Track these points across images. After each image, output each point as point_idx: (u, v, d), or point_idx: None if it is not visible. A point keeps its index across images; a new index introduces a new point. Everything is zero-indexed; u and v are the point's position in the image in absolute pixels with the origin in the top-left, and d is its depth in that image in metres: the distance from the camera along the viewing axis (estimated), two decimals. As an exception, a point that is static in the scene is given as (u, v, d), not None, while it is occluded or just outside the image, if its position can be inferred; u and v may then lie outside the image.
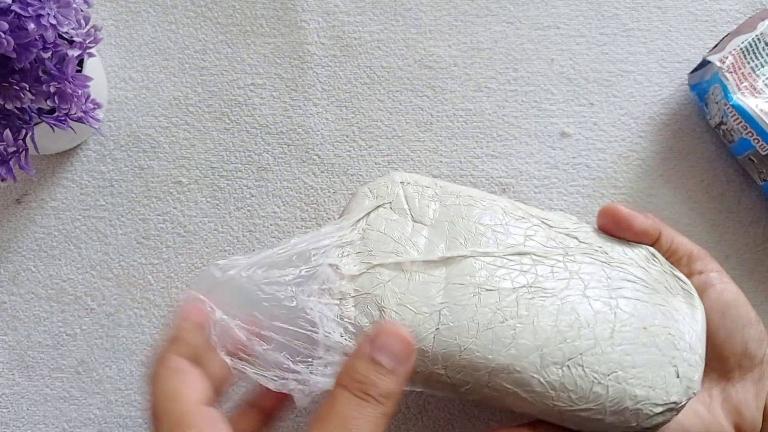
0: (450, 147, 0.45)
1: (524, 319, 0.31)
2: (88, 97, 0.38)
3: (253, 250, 0.44)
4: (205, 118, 0.46)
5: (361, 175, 0.45)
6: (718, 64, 0.42)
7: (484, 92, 0.46)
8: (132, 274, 0.44)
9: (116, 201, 0.45)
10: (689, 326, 0.33)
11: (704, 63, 0.43)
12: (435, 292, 0.31)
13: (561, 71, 0.46)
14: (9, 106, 0.35)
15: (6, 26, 0.32)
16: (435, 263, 0.32)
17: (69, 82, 0.36)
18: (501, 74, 0.46)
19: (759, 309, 0.43)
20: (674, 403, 0.31)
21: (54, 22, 0.33)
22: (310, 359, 0.30)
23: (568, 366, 0.31)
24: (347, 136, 0.46)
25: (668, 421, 0.32)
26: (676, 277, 0.35)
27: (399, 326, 0.29)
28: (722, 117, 0.42)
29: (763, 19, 0.43)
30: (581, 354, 0.31)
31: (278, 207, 0.45)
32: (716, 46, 0.43)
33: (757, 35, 0.42)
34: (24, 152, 0.38)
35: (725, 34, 0.44)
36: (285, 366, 0.30)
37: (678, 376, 0.32)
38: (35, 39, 0.33)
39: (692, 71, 0.44)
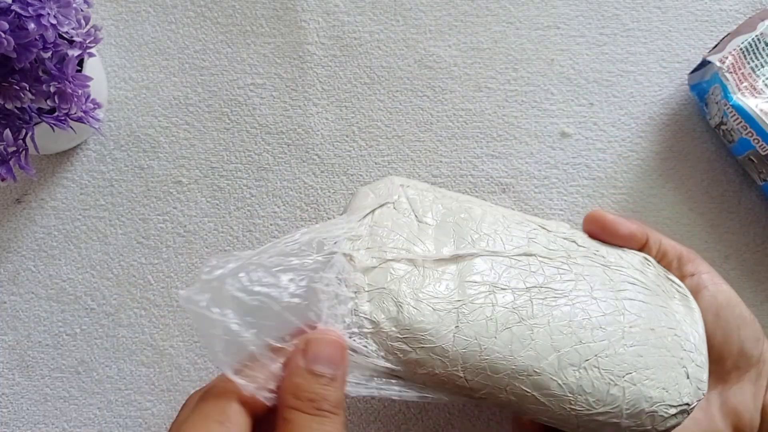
0: (450, 147, 0.45)
1: (539, 319, 0.31)
2: (88, 97, 0.38)
3: (253, 250, 0.44)
4: (205, 118, 0.46)
5: (361, 175, 0.45)
6: (718, 64, 0.42)
7: (484, 92, 0.46)
8: (132, 274, 0.44)
9: (116, 201, 0.45)
10: (692, 328, 0.33)
11: (704, 63, 0.43)
12: (450, 290, 0.31)
13: (561, 71, 0.46)
14: (9, 106, 0.35)
15: (6, 26, 0.32)
16: (446, 261, 0.32)
17: (69, 82, 0.36)
18: (501, 74, 0.46)
19: (759, 309, 0.43)
20: (686, 404, 0.31)
21: (54, 21, 0.33)
22: None
23: (584, 368, 0.30)
24: (347, 136, 0.46)
25: (679, 424, 0.32)
26: (671, 280, 0.35)
27: (325, 331, 0.28)
28: (722, 117, 0.42)
29: (763, 19, 0.43)
30: (596, 355, 0.30)
31: (278, 207, 0.45)
32: (716, 46, 0.43)
33: (757, 35, 0.42)
34: (24, 152, 0.38)
35: (725, 34, 0.44)
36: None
37: (688, 377, 0.32)
38: (35, 39, 0.33)
39: (692, 71, 0.44)
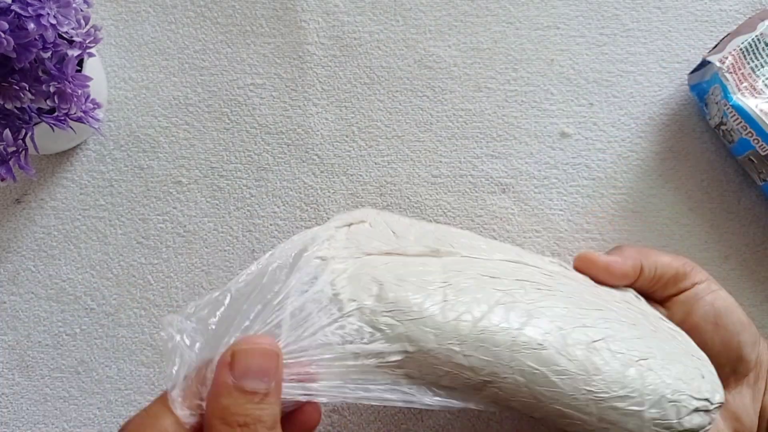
0: (450, 147, 0.45)
1: (536, 303, 0.29)
2: (88, 97, 0.38)
3: (253, 250, 0.44)
4: (205, 118, 0.46)
5: (361, 175, 0.45)
6: (718, 64, 0.42)
7: (484, 92, 0.46)
8: (132, 274, 0.44)
9: (116, 201, 0.45)
10: (694, 345, 0.33)
11: (704, 63, 0.43)
12: (434, 276, 0.29)
13: (561, 71, 0.46)
14: (9, 106, 0.35)
15: (6, 26, 0.32)
16: (427, 255, 0.30)
17: (69, 82, 0.36)
18: (501, 74, 0.46)
19: (759, 309, 0.43)
20: (707, 399, 0.29)
21: (54, 21, 0.33)
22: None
23: (594, 348, 0.28)
24: (347, 136, 0.46)
25: (704, 427, 0.30)
26: (660, 318, 0.35)
27: (254, 338, 0.24)
28: (722, 117, 0.42)
29: (762, 20, 0.43)
30: (603, 338, 0.29)
31: (278, 207, 0.45)
32: (716, 46, 0.43)
33: (757, 35, 0.42)
34: (24, 152, 0.38)
35: (725, 34, 0.44)
36: None
37: (703, 377, 0.30)
38: (35, 39, 0.33)
39: (692, 71, 0.44)
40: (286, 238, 0.44)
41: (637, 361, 0.29)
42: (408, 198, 0.45)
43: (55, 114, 0.37)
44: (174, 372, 0.25)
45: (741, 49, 0.42)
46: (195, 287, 0.44)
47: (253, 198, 0.45)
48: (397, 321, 0.26)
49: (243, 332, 0.26)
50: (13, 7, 0.32)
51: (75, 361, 0.43)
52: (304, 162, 0.45)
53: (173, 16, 0.47)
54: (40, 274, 0.44)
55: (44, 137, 0.40)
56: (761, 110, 0.41)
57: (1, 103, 0.35)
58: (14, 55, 0.33)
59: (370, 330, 0.26)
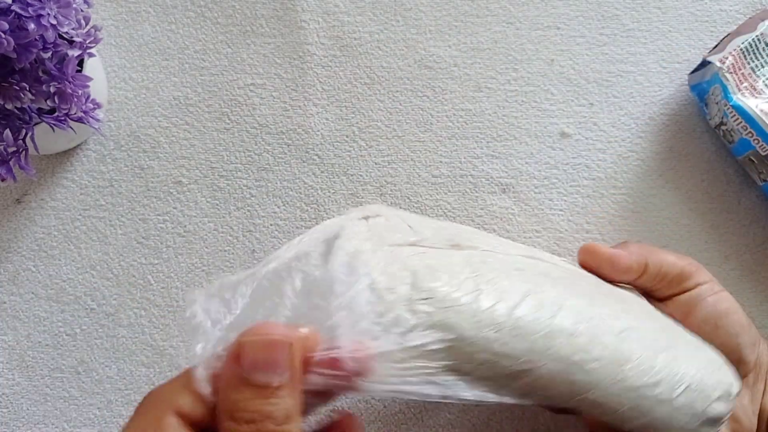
0: (450, 147, 0.45)
1: (562, 294, 0.29)
2: (88, 97, 0.38)
3: (253, 250, 0.44)
4: (205, 118, 0.46)
5: (361, 175, 0.45)
6: (718, 64, 0.42)
7: (484, 92, 0.46)
8: (132, 274, 0.44)
9: (116, 201, 0.45)
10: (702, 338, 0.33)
11: (704, 63, 0.43)
12: (461, 267, 0.28)
13: (561, 71, 0.46)
14: (9, 106, 0.35)
15: (6, 26, 0.32)
16: (449, 249, 0.30)
17: (69, 82, 0.36)
18: (501, 74, 0.46)
19: (759, 309, 0.43)
20: (727, 392, 0.30)
21: (54, 22, 0.33)
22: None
23: (622, 338, 0.28)
24: (347, 136, 0.46)
25: (725, 416, 0.30)
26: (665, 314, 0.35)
27: (263, 327, 0.22)
28: (722, 117, 0.42)
29: (763, 20, 0.43)
30: (629, 328, 0.29)
31: (278, 207, 0.45)
32: (716, 46, 0.43)
33: (757, 36, 0.42)
34: (24, 152, 0.38)
35: (725, 34, 0.44)
36: None
37: (722, 367, 0.31)
38: (35, 39, 0.33)
39: (692, 71, 0.44)
40: (287, 238, 0.44)
41: (660, 352, 0.29)
42: (408, 198, 0.45)
43: (56, 114, 0.37)
44: (198, 350, 0.24)
45: (741, 49, 0.42)
46: (195, 287, 0.44)
47: (253, 198, 0.45)
48: (434, 308, 0.26)
49: (268, 318, 0.25)
50: (14, 7, 0.32)
51: (75, 361, 0.43)
52: (304, 162, 0.45)
53: (173, 16, 0.47)
54: (40, 274, 0.44)
55: (44, 137, 0.40)
56: (761, 110, 0.41)
57: (2, 103, 0.35)
58: (14, 56, 0.33)
59: (409, 318, 0.25)
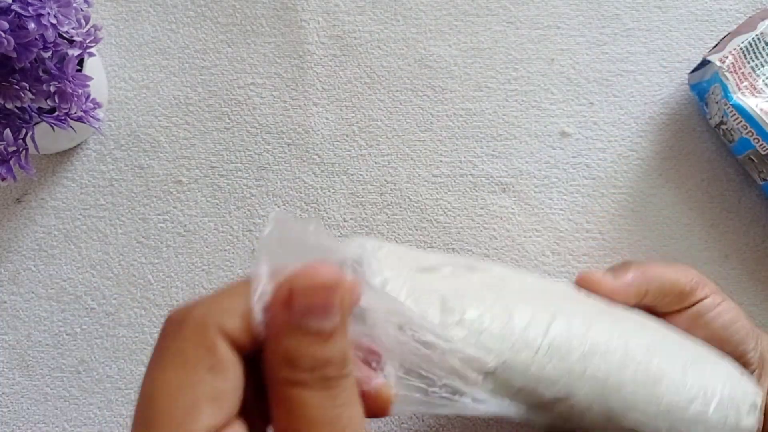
0: (450, 147, 0.45)
1: (586, 314, 0.28)
2: (88, 96, 0.38)
3: (254, 250, 0.44)
4: (205, 118, 0.46)
5: (361, 175, 0.45)
6: (718, 63, 0.42)
7: (484, 92, 0.46)
8: (132, 273, 0.44)
9: (116, 200, 0.45)
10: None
11: (704, 63, 0.43)
12: (483, 291, 0.27)
13: (561, 71, 0.46)
14: (9, 106, 0.35)
15: (6, 26, 0.32)
16: (467, 274, 0.28)
17: (69, 82, 0.36)
18: (501, 74, 0.46)
19: (759, 308, 0.43)
20: (754, 403, 0.29)
21: (54, 21, 0.33)
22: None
23: (651, 353, 0.28)
24: (347, 136, 0.46)
25: (755, 426, 0.29)
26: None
27: (310, 269, 0.20)
28: (722, 117, 0.42)
29: (763, 19, 0.43)
30: (653, 345, 0.28)
31: (278, 207, 0.45)
32: (716, 45, 0.43)
33: (757, 35, 0.42)
34: (24, 152, 0.38)
35: (725, 33, 0.44)
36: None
37: (742, 376, 0.30)
38: (35, 38, 0.33)
39: (692, 71, 0.44)
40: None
41: (688, 366, 0.28)
42: (408, 197, 0.45)
43: (56, 114, 0.37)
44: (263, 272, 0.21)
45: (741, 49, 0.42)
46: (195, 287, 0.44)
47: (253, 197, 0.45)
48: (467, 332, 0.25)
49: None
50: (14, 6, 0.32)
51: (75, 361, 0.43)
52: (304, 161, 0.45)
53: (174, 15, 0.47)
54: (40, 274, 0.44)
55: (44, 137, 0.40)
56: (761, 109, 0.41)
57: (2, 102, 0.35)
58: (15, 55, 0.33)
59: (443, 344, 0.25)
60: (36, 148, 0.38)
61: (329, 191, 0.45)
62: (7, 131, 0.36)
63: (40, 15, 0.33)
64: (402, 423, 0.42)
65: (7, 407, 0.43)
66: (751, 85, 0.42)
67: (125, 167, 0.45)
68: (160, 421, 0.18)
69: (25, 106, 0.36)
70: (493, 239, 0.44)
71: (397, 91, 0.46)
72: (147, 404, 0.18)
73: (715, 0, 0.47)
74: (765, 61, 0.42)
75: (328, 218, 0.45)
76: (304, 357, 0.20)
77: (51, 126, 0.37)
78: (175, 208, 0.45)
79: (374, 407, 0.22)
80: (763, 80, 0.42)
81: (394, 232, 0.44)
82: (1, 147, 0.37)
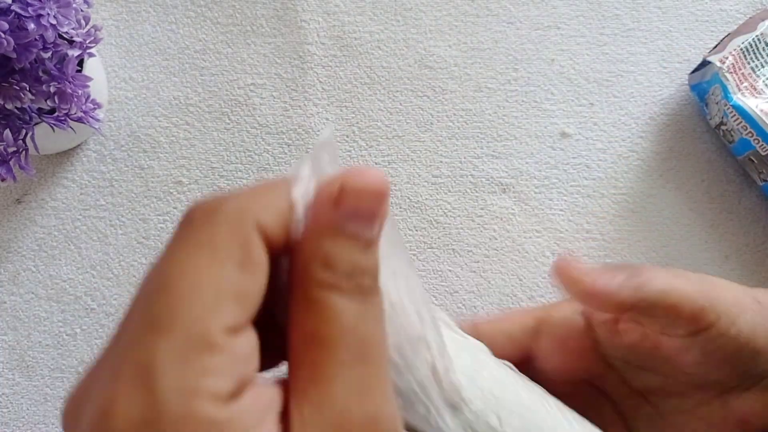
0: (450, 147, 0.45)
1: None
2: (88, 97, 0.38)
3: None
4: (206, 118, 0.46)
5: (361, 175, 0.45)
6: (718, 64, 0.42)
7: (484, 92, 0.46)
8: (132, 274, 0.44)
9: (116, 201, 0.45)
10: None
11: (704, 63, 0.43)
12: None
13: (561, 71, 0.46)
14: (9, 106, 0.35)
15: (6, 26, 0.32)
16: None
17: (69, 82, 0.36)
18: (501, 74, 0.46)
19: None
20: None
21: (54, 22, 0.33)
22: None
23: None
24: (347, 136, 0.46)
25: None
26: None
27: (362, 171, 0.18)
28: (722, 117, 0.42)
29: (763, 20, 0.43)
30: None
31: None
32: (716, 46, 0.43)
33: (757, 35, 0.42)
34: (24, 152, 0.38)
35: (725, 34, 0.44)
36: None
37: None
38: (35, 39, 0.33)
39: (692, 71, 0.44)
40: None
41: None
42: (408, 198, 0.45)
43: (56, 114, 0.37)
44: (305, 172, 0.19)
45: (741, 49, 0.42)
46: (195, 287, 0.44)
47: (253, 198, 0.45)
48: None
49: None
50: (13, 7, 0.32)
51: (75, 361, 0.43)
52: (304, 162, 0.45)
53: (174, 16, 0.47)
54: (40, 274, 0.44)
55: (44, 137, 0.40)
56: (761, 110, 0.41)
57: (2, 103, 0.35)
58: (14, 56, 0.33)
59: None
60: (36, 148, 0.38)
61: (329, 192, 0.45)
62: (7, 132, 0.36)
63: (40, 15, 0.33)
64: (402, 423, 0.42)
65: (7, 408, 0.43)
66: (752, 86, 0.42)
67: (125, 168, 0.45)
68: (177, 311, 0.16)
69: (25, 106, 0.36)
70: (493, 240, 0.44)
71: (397, 91, 0.46)
72: (161, 291, 0.16)
73: (715, 0, 0.47)
74: (765, 61, 0.42)
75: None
76: (343, 261, 0.18)
77: (51, 126, 0.37)
78: (175, 208, 0.45)
79: None
80: (764, 81, 0.42)
81: (394, 232, 0.44)
82: (1, 147, 0.37)
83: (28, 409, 0.43)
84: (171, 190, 0.45)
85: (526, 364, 0.31)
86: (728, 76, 0.42)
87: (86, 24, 0.37)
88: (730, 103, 0.41)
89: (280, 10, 0.47)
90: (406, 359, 0.21)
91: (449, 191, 0.45)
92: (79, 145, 0.46)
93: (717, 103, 0.42)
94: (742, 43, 0.42)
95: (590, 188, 0.45)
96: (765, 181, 0.42)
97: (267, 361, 0.18)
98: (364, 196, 0.18)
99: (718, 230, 0.44)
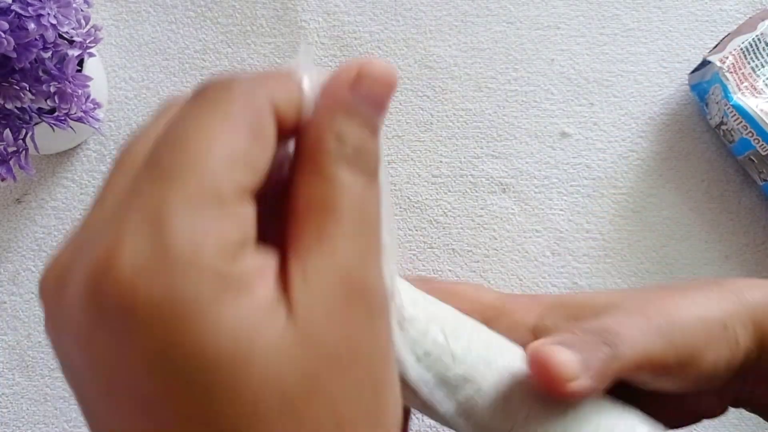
0: (450, 147, 0.45)
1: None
2: (88, 96, 0.38)
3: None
4: (205, 118, 0.46)
5: (361, 175, 0.45)
6: (718, 64, 0.42)
7: (484, 92, 0.46)
8: (132, 274, 0.44)
9: (116, 201, 0.45)
10: None
11: (704, 63, 0.43)
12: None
13: (561, 71, 0.46)
14: (9, 106, 0.35)
15: (6, 26, 0.32)
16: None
17: (69, 82, 0.36)
18: (501, 74, 0.46)
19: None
20: None
21: (54, 21, 0.33)
22: None
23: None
24: (347, 136, 0.46)
25: None
26: None
27: (380, 62, 0.19)
28: (722, 117, 0.42)
29: (763, 19, 0.43)
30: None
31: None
32: (716, 46, 0.43)
33: (757, 35, 0.42)
34: (24, 152, 0.38)
35: (725, 34, 0.44)
36: None
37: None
38: (35, 39, 0.33)
39: (692, 71, 0.44)
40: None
41: None
42: (408, 198, 0.45)
43: (56, 114, 0.37)
44: (309, 63, 0.20)
45: (741, 49, 0.42)
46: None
47: (253, 198, 0.45)
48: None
49: None
50: (14, 7, 0.32)
51: (75, 361, 0.43)
52: (304, 162, 0.45)
53: (174, 16, 0.47)
54: (40, 274, 0.44)
55: (44, 137, 0.40)
56: (761, 110, 0.41)
57: (2, 103, 0.35)
58: (14, 55, 0.33)
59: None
60: (36, 148, 0.38)
61: (329, 191, 0.45)
62: (7, 131, 0.36)
63: (40, 15, 0.33)
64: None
65: (7, 408, 0.43)
66: (752, 86, 0.42)
67: (125, 167, 0.45)
68: (191, 164, 0.15)
69: (25, 106, 0.36)
70: (493, 240, 0.44)
71: (398, 91, 0.46)
72: (173, 147, 0.16)
73: (715, 0, 0.47)
74: (765, 61, 0.42)
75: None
76: (354, 138, 0.19)
77: (51, 126, 0.37)
78: (175, 208, 0.45)
79: None
80: (764, 81, 0.42)
81: (394, 232, 0.44)
82: (1, 147, 0.37)
83: (28, 409, 0.43)
84: (171, 190, 0.45)
85: None
86: (728, 75, 0.42)
87: (86, 24, 0.37)
88: (730, 103, 0.41)
89: (280, 10, 0.47)
90: None
91: (449, 191, 0.45)
92: (79, 145, 0.46)
93: (717, 103, 0.42)
94: (742, 43, 0.42)
95: (590, 188, 0.45)
96: (765, 181, 0.42)
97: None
98: (378, 83, 0.19)
99: (718, 230, 0.44)
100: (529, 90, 0.46)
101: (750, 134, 0.41)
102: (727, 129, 0.42)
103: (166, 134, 0.17)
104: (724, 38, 0.43)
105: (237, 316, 0.15)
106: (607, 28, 0.47)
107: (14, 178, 0.37)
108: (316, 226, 0.17)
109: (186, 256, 0.15)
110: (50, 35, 0.34)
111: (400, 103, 0.46)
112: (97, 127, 0.39)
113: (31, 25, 0.32)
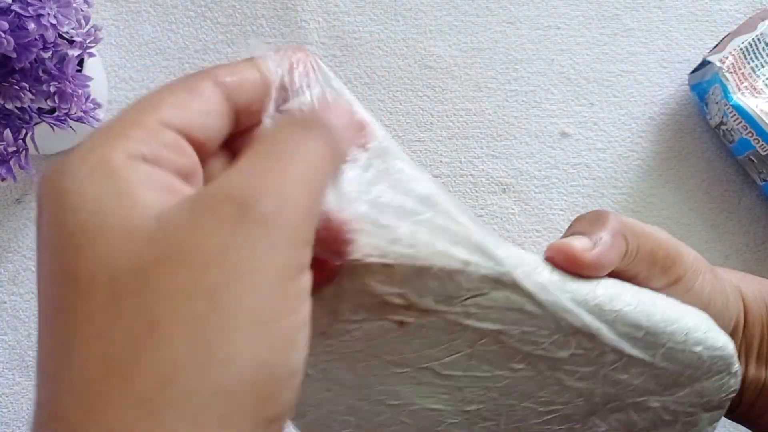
0: (450, 147, 0.45)
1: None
2: (88, 96, 0.38)
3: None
4: (205, 118, 0.46)
5: (361, 175, 0.45)
6: (718, 64, 0.42)
7: (484, 92, 0.46)
8: (132, 274, 0.44)
9: (116, 201, 0.45)
10: None
11: (704, 63, 0.43)
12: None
13: (561, 71, 0.46)
14: (9, 106, 0.35)
15: (6, 26, 0.32)
16: None
17: (69, 82, 0.36)
18: (501, 74, 0.46)
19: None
20: (725, 346, 0.25)
21: (54, 21, 0.33)
22: None
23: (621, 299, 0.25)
24: (347, 136, 0.46)
25: (731, 393, 0.26)
26: None
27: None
28: (722, 117, 0.42)
29: (763, 20, 0.43)
30: (623, 290, 0.25)
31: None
32: (716, 46, 0.43)
33: (757, 35, 0.42)
34: (24, 152, 0.38)
35: (725, 34, 0.44)
36: None
37: (708, 329, 0.26)
38: (35, 39, 0.33)
39: (692, 71, 0.44)
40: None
41: (635, 304, 0.25)
42: (408, 198, 0.45)
43: (56, 114, 0.37)
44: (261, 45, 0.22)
45: (741, 49, 0.42)
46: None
47: (253, 198, 0.45)
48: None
49: None
50: (14, 7, 0.32)
51: (75, 361, 0.43)
52: (304, 162, 0.45)
53: (174, 16, 0.47)
54: (40, 274, 0.44)
55: (44, 137, 0.40)
56: (761, 110, 0.41)
57: (2, 103, 0.35)
58: (14, 55, 0.33)
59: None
60: (36, 148, 0.38)
61: (329, 191, 0.45)
62: (7, 131, 0.36)
63: (40, 15, 0.33)
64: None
65: (7, 407, 0.43)
66: (751, 86, 0.42)
67: (125, 167, 0.45)
68: (135, 108, 0.19)
69: (25, 106, 0.36)
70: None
71: (397, 91, 0.46)
72: (137, 104, 0.20)
73: (715, 0, 0.47)
74: (765, 61, 0.42)
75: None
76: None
77: (51, 126, 0.37)
78: (175, 208, 0.45)
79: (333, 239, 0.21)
80: (763, 81, 0.42)
81: (394, 232, 0.44)
82: (1, 147, 0.37)
83: (28, 409, 0.43)
84: (171, 190, 0.45)
85: None
86: (728, 76, 0.42)
87: (86, 24, 0.37)
88: (730, 103, 0.41)
89: (280, 10, 0.47)
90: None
91: (449, 191, 0.45)
92: (78, 145, 0.46)
93: (717, 103, 0.42)
94: (742, 43, 0.42)
95: (590, 188, 0.45)
96: (765, 181, 0.42)
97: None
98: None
99: (718, 230, 0.44)
100: (529, 90, 0.46)
101: (750, 134, 0.41)
102: (727, 129, 0.42)
103: (141, 98, 0.20)
104: (724, 38, 0.43)
105: (104, 200, 0.17)
106: (607, 28, 0.47)
107: (14, 178, 0.37)
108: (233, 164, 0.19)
109: (95, 158, 0.18)
110: (50, 35, 0.34)
111: (401, 103, 0.46)
112: (96, 126, 0.39)
113: (31, 25, 0.32)
